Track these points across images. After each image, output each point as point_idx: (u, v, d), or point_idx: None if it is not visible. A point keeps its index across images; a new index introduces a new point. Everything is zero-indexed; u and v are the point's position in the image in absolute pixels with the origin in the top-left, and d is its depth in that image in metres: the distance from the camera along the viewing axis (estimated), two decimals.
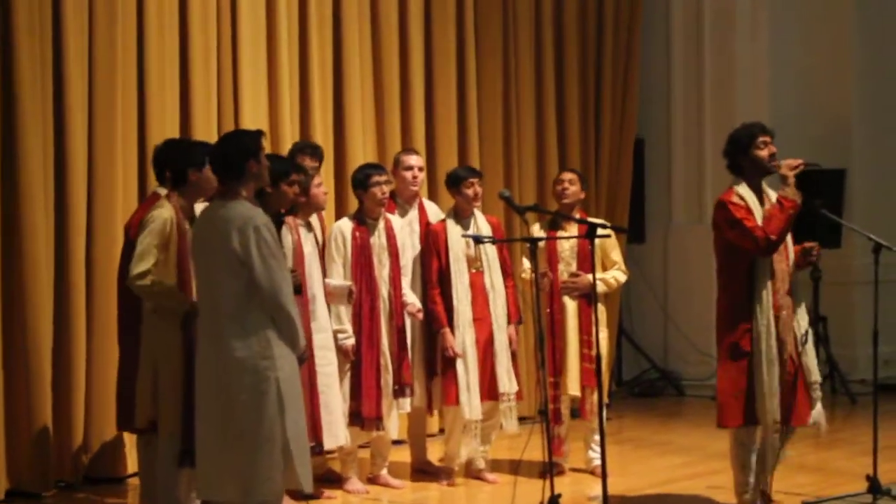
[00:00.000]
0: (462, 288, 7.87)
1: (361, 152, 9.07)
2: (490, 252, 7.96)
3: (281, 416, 5.73)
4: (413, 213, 8.17)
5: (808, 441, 9.18)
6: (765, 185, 6.82)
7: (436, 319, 7.89)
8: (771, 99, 10.88)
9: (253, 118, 8.48)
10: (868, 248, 10.73)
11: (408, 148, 8.80)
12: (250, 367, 5.71)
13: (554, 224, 8.04)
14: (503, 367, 7.89)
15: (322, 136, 8.84)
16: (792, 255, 6.80)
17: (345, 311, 7.62)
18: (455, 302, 7.85)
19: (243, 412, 5.72)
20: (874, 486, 7.08)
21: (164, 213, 6.69)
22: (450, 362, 7.83)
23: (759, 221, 6.58)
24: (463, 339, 7.83)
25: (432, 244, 7.95)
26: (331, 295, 7.53)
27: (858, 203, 10.80)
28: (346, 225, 7.80)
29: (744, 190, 6.72)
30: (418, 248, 8.07)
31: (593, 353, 7.68)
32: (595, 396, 7.81)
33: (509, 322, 7.99)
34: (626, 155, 10.67)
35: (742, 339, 6.62)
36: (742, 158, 6.75)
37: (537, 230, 7.98)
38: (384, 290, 7.75)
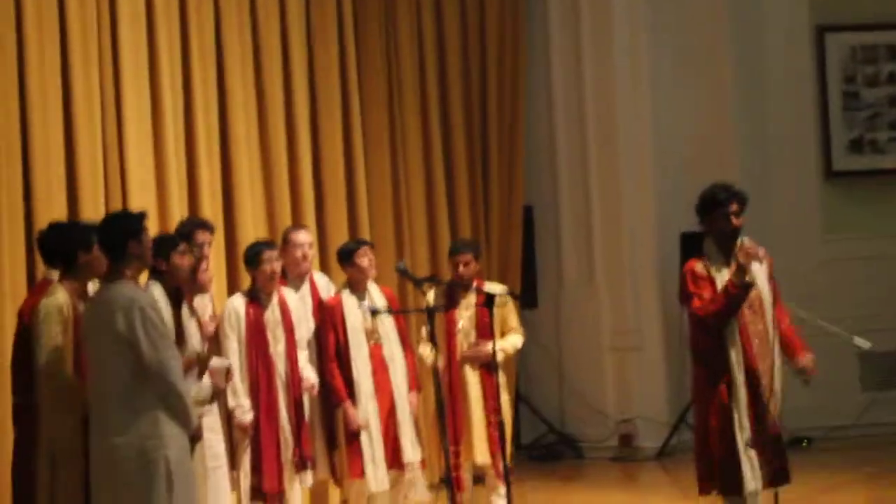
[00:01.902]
0: (362, 361, 7.88)
1: (252, 228, 9.02)
2: (388, 323, 7.98)
3: (169, 495, 5.67)
4: (305, 288, 8.15)
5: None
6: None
7: (335, 393, 7.86)
8: (655, 164, 11.04)
9: (140, 197, 8.38)
10: None
11: (297, 224, 8.77)
12: (137, 449, 5.67)
13: (451, 295, 8.07)
14: (407, 436, 7.90)
15: (211, 212, 8.77)
16: (770, 316, 6.50)
17: (241, 387, 7.56)
18: (355, 375, 7.85)
19: (132, 495, 5.66)
20: None
21: (59, 298, 6.56)
22: (353, 435, 7.80)
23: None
24: (365, 411, 7.81)
25: (329, 319, 7.93)
26: (212, 374, 7.45)
27: None
28: (238, 302, 7.75)
29: (710, 252, 6.55)
30: (312, 322, 8.02)
31: (497, 420, 7.67)
32: (497, 464, 7.85)
33: (410, 390, 7.99)
34: (516, 221, 10.74)
35: (716, 406, 6.44)
36: (708, 222, 6.59)
37: (432, 298, 8.01)
38: (280, 365, 7.70)
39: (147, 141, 8.54)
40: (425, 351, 8.03)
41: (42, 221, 7.38)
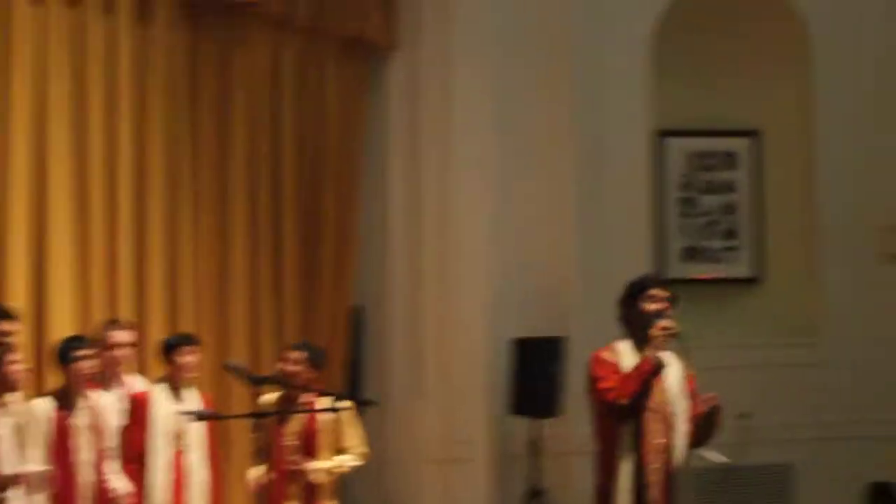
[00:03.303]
0: (160, 468, 7.30)
1: (65, 320, 8.34)
2: (198, 430, 7.38)
3: None
4: (120, 391, 7.52)
5: None
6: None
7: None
8: (491, 269, 10.64)
9: None
10: (586, 419, 10.75)
11: (114, 320, 8.13)
12: None
13: (288, 401, 7.53)
14: None
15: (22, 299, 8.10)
16: (681, 427, 6.16)
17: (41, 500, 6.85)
18: (150, 481, 7.23)
19: None
20: None
21: None
22: None
23: None
24: None
25: (135, 414, 7.32)
26: (28, 482, 6.77)
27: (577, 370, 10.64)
28: (44, 404, 7.09)
29: (624, 345, 6.23)
30: None
31: None
32: None
33: None
34: (342, 322, 10.25)
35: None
36: (628, 310, 6.32)
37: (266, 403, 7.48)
38: (86, 475, 7.02)
39: None
40: (252, 472, 7.48)
41: None
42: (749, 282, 11.52)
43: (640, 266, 11.11)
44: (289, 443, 7.48)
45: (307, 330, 9.89)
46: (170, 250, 9.15)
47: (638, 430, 6.03)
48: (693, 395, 6.28)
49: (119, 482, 7.21)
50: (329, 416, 7.45)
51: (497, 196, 10.74)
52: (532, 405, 10.30)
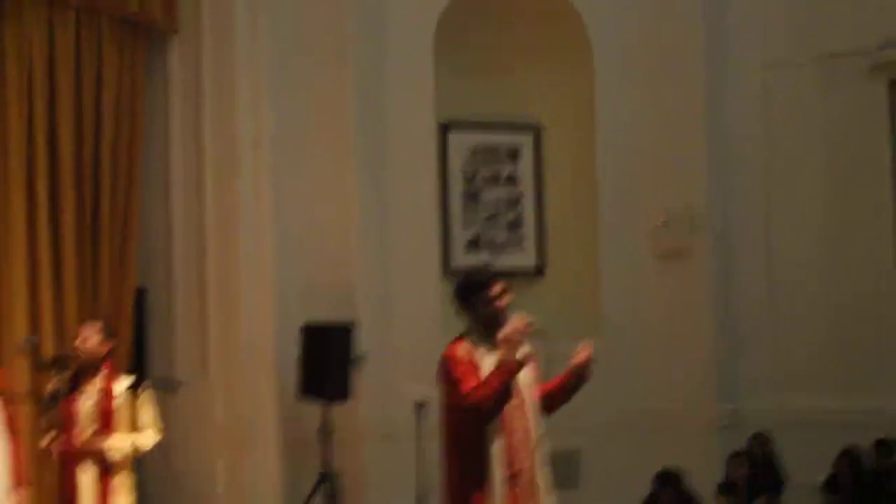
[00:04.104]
0: None
1: None
2: None
3: None
4: None
5: None
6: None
7: None
8: (277, 252, 10.45)
9: None
10: (378, 401, 10.66)
11: None
12: None
13: (75, 377, 7.16)
14: None
15: None
16: (530, 414, 5.91)
17: None
18: None
19: None
20: None
21: None
22: None
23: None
24: None
25: None
26: None
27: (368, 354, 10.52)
28: None
29: (472, 337, 5.92)
30: None
31: None
32: None
33: (14, 486, 6.97)
34: (126, 305, 9.85)
35: None
36: (471, 305, 5.97)
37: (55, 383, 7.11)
38: None
39: None
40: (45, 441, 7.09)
41: None
42: (533, 273, 11.66)
43: (427, 255, 11.17)
44: (83, 421, 7.11)
45: (91, 313, 9.44)
46: None
47: (501, 426, 5.84)
48: (538, 380, 6.12)
49: None
50: (125, 394, 7.12)
51: (280, 183, 10.58)
52: (322, 389, 10.15)
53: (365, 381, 10.29)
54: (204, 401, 10.08)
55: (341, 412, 10.22)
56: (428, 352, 10.53)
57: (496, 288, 5.96)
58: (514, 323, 5.79)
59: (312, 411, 10.24)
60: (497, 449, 5.74)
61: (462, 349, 5.87)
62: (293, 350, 10.24)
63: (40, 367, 6.69)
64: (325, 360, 10.11)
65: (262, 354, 10.24)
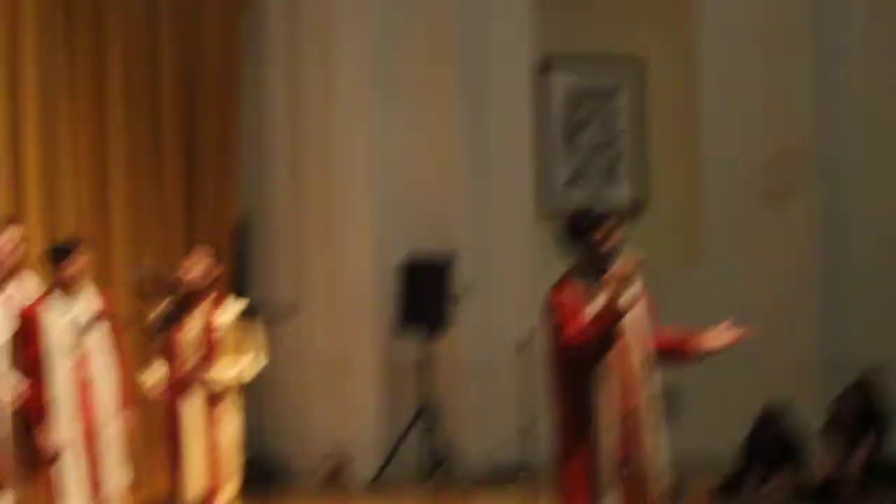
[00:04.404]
0: (61, 377, 6.84)
1: None
2: (96, 335, 7.01)
3: None
4: (8, 293, 7.03)
5: None
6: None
7: (32, 415, 6.80)
8: (375, 185, 10.47)
9: None
10: (475, 336, 10.64)
11: (11, 217, 7.66)
12: None
13: (181, 305, 7.17)
14: (110, 463, 6.95)
15: None
16: (637, 355, 5.70)
17: None
18: (54, 392, 6.77)
19: None
20: None
21: None
22: (50, 461, 6.68)
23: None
24: (64, 434, 6.78)
25: (26, 330, 6.86)
26: None
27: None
28: None
29: (577, 283, 5.68)
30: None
31: (217, 453, 7.08)
32: (222, 498, 7.07)
33: (121, 410, 7.04)
34: (227, 234, 9.87)
35: (579, 460, 5.59)
36: (577, 246, 5.73)
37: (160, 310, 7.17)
38: None
39: None
40: (149, 375, 7.17)
41: None
42: (631, 210, 11.48)
43: (523, 192, 11.07)
44: (188, 350, 7.13)
45: (191, 241, 9.49)
46: (49, 166, 8.71)
47: (607, 368, 5.73)
48: (654, 319, 5.95)
49: (4, 388, 6.75)
50: (229, 322, 7.11)
51: (379, 118, 10.52)
52: (420, 323, 10.15)
53: (463, 315, 10.25)
54: (303, 331, 10.09)
55: (439, 346, 10.23)
56: (523, 289, 10.59)
57: (605, 227, 5.75)
58: (622, 264, 5.62)
59: (411, 345, 10.27)
60: (604, 391, 5.61)
61: (566, 291, 5.67)
62: (392, 283, 10.26)
63: (149, 293, 6.66)
64: (424, 295, 10.10)
65: (361, 285, 10.25)
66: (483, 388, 10.49)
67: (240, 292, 9.90)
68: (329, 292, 10.24)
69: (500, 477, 10.27)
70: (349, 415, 10.31)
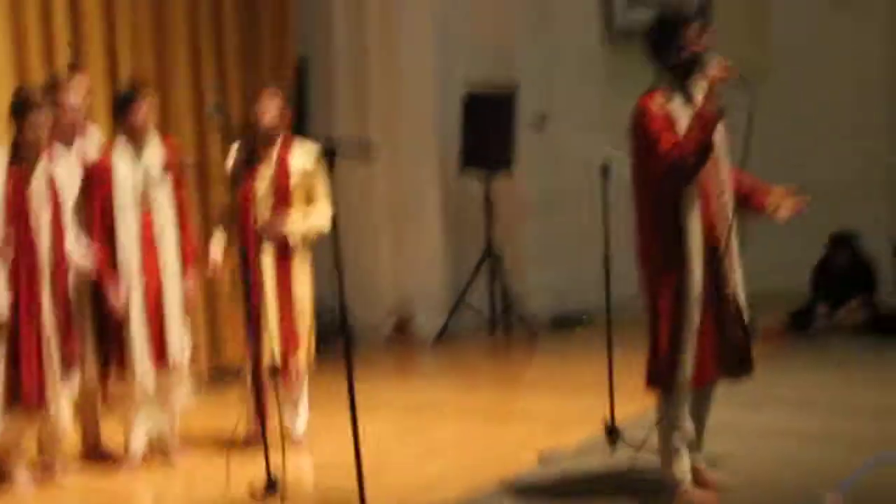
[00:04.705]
0: (127, 231, 6.66)
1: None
2: (165, 191, 6.77)
3: None
4: (76, 148, 6.84)
5: (500, 384, 8.72)
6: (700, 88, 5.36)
7: (101, 275, 6.65)
8: (435, 16, 10.15)
9: None
10: (537, 175, 10.42)
11: (69, 67, 7.44)
12: None
13: (251, 151, 6.92)
14: (174, 329, 6.75)
15: None
16: (726, 177, 5.43)
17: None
18: (119, 248, 6.63)
19: None
20: (612, 430, 6.49)
21: None
22: (116, 324, 6.65)
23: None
24: (129, 293, 6.65)
25: (96, 183, 6.67)
26: None
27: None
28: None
29: (671, 95, 5.31)
30: None
31: (293, 313, 6.85)
32: (298, 359, 6.92)
33: (184, 273, 6.84)
34: (287, 73, 9.52)
35: (671, 284, 5.31)
36: (665, 53, 5.33)
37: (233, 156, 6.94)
38: (45, 241, 6.36)
39: None
40: (214, 247, 6.99)
41: None
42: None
43: (587, 15, 10.70)
44: (261, 200, 6.89)
45: (250, 81, 9.23)
46: (108, 11, 8.41)
47: (699, 189, 5.42)
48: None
49: (79, 252, 6.62)
50: (301, 167, 6.87)
51: None
52: (484, 159, 9.94)
53: (526, 148, 10.02)
54: (366, 174, 9.87)
55: (503, 185, 10.02)
56: (592, 116, 10.31)
57: (694, 28, 5.36)
58: (716, 66, 5.22)
59: (474, 183, 10.07)
60: (695, 217, 5.31)
61: (656, 102, 5.31)
62: (455, 120, 9.99)
63: (229, 134, 6.45)
64: (488, 129, 9.86)
65: (423, 124, 10.01)
66: (547, 227, 10.34)
67: (300, 135, 9.73)
68: (391, 133, 9.98)
69: (567, 321, 10.18)
70: (414, 259, 10.16)
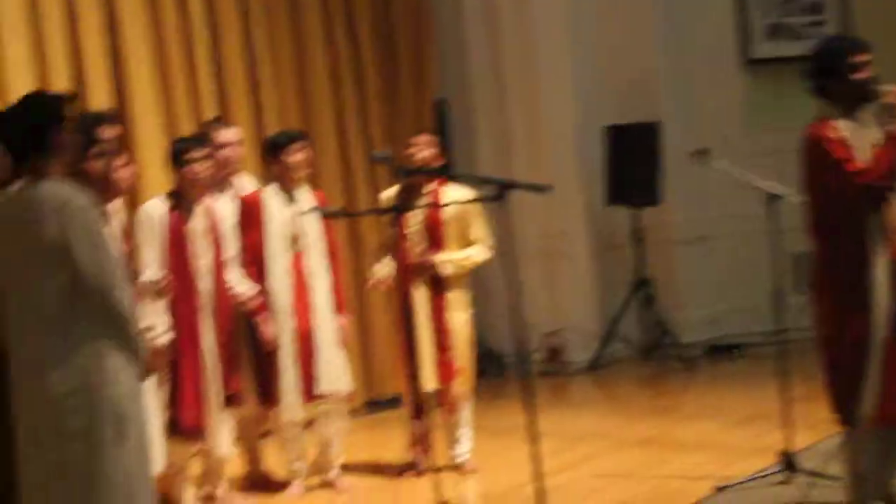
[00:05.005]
0: (280, 270, 6.79)
1: (149, 120, 7.83)
2: (315, 231, 6.88)
3: (119, 444, 4.55)
4: (230, 195, 6.98)
5: (659, 414, 8.57)
6: (867, 115, 5.30)
7: (253, 308, 6.76)
8: (574, 53, 10.10)
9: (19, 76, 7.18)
10: (687, 205, 10.28)
11: (218, 118, 7.61)
12: (75, 386, 4.50)
13: (407, 193, 6.96)
14: (323, 364, 6.83)
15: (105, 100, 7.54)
16: None
17: (157, 306, 6.38)
18: (272, 286, 6.76)
19: (69, 443, 4.51)
20: (789, 462, 6.31)
21: None
22: (269, 355, 6.77)
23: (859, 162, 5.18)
24: (281, 329, 6.77)
25: (248, 217, 6.80)
26: (141, 291, 6.26)
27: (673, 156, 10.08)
28: (157, 206, 6.56)
29: (842, 123, 5.26)
30: None
31: (449, 342, 6.89)
32: (455, 389, 6.95)
33: (335, 312, 6.94)
34: (425, 116, 9.62)
35: (857, 310, 5.17)
36: (832, 82, 5.28)
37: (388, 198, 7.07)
38: (205, 282, 6.51)
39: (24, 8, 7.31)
40: (379, 268, 7.07)
41: None
42: None
43: (725, 45, 10.57)
44: (413, 235, 6.92)
45: (392, 124, 9.37)
46: (246, 52, 8.59)
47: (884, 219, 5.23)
48: None
49: (243, 286, 6.71)
50: (455, 206, 6.87)
51: None
52: (630, 193, 9.85)
53: (674, 182, 9.89)
54: (513, 212, 9.79)
55: (652, 215, 9.92)
56: (733, 147, 10.16)
57: (860, 56, 5.29)
58: (891, 92, 5.14)
59: (621, 216, 9.97)
60: (876, 245, 5.15)
61: (831, 130, 5.22)
62: (598, 154, 9.92)
63: (399, 177, 6.65)
64: (633, 162, 9.77)
65: (567, 159, 9.94)
66: (697, 257, 10.19)
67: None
68: (534, 171, 9.90)
69: (721, 350, 10.02)
70: (564, 294, 10.09)
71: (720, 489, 6.25)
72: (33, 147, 4.60)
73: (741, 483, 6.27)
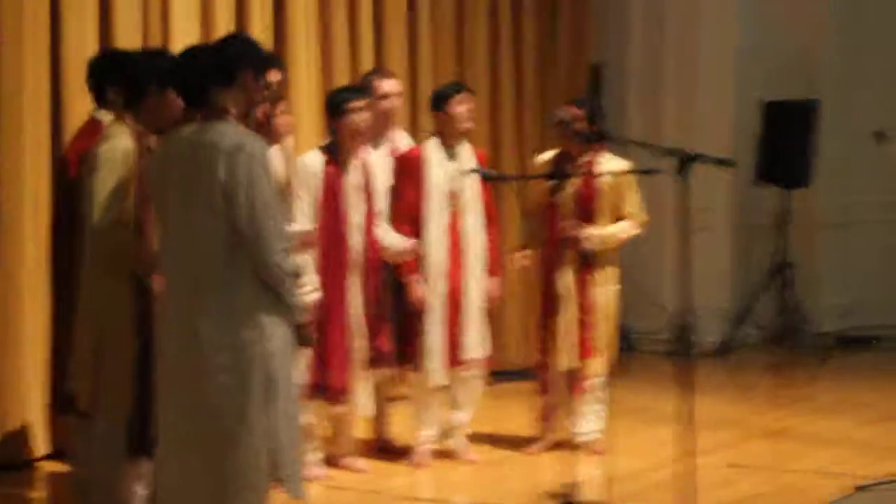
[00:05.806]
0: (437, 229, 6.67)
1: (305, 71, 7.82)
2: (474, 190, 6.74)
3: (267, 406, 4.53)
4: (386, 149, 6.91)
5: (790, 403, 8.43)
6: None
7: (405, 264, 6.68)
8: (737, 21, 9.92)
9: (184, 28, 7.19)
10: (835, 189, 10.07)
11: (382, 69, 7.51)
12: (227, 340, 4.48)
13: (559, 162, 6.83)
14: (471, 328, 6.72)
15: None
16: None
17: (308, 261, 6.28)
18: (427, 245, 6.65)
19: (218, 398, 4.50)
20: None
21: (122, 142, 5.31)
22: (416, 317, 6.66)
23: None
24: (433, 290, 6.66)
25: (405, 173, 6.70)
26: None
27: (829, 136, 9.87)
28: (315, 159, 6.48)
29: None
30: None
31: (591, 320, 6.73)
32: (590, 366, 6.80)
33: (490, 274, 6.83)
34: (581, 80, 9.51)
35: None
36: None
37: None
38: (355, 239, 6.45)
39: None
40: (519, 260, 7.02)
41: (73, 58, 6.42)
42: None
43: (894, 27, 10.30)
44: (563, 206, 6.79)
45: (545, 87, 9.29)
46: (407, 9, 8.53)
47: None
48: None
49: (393, 239, 6.64)
50: (608, 179, 6.74)
51: None
52: (781, 173, 9.65)
53: (826, 164, 9.67)
54: (659, 184, 9.66)
55: (799, 198, 9.71)
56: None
57: None
58: None
59: (768, 196, 9.78)
60: None
61: None
62: (750, 129, 9.75)
63: (581, 143, 6.50)
64: (787, 142, 9.56)
65: (719, 132, 9.73)
66: (840, 243, 9.98)
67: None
68: (684, 142, 9.62)
69: (856, 341, 9.84)
70: (699, 274, 9.82)
71: (860, 488, 6.11)
72: (220, 82, 4.56)
73: (884, 483, 6.14)
